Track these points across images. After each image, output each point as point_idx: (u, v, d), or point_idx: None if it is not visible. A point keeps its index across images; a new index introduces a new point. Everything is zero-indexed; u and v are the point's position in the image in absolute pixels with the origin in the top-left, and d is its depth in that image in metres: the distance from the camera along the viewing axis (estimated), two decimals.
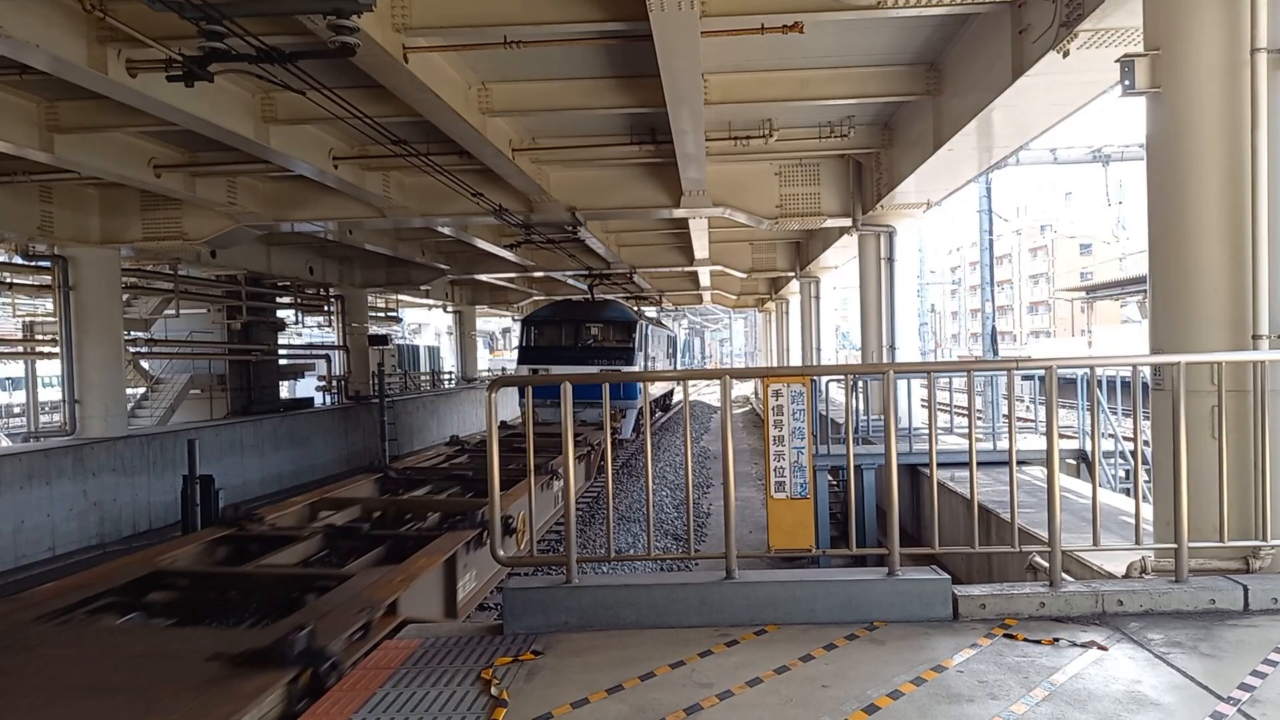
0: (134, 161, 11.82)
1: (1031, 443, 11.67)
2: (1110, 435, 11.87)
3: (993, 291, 26.59)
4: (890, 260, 15.53)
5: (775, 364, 38.33)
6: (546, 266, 23.53)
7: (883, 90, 10.72)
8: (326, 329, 27.94)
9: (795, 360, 31.46)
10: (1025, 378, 15.95)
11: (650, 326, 27.55)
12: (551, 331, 24.26)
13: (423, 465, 13.04)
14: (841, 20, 8.11)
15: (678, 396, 34.47)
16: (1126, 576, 5.02)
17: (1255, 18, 4.95)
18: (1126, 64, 5.29)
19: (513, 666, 3.88)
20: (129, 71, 8.00)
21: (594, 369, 22.11)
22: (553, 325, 24.43)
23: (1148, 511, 5.41)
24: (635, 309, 27.39)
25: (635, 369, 23.23)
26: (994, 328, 26.06)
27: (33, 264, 16.26)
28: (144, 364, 21.00)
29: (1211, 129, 5.04)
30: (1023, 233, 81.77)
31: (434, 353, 43.45)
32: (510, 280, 29.48)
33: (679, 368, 40.78)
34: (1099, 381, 10.53)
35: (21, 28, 6.93)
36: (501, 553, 4.63)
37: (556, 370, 21.11)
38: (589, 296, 26.25)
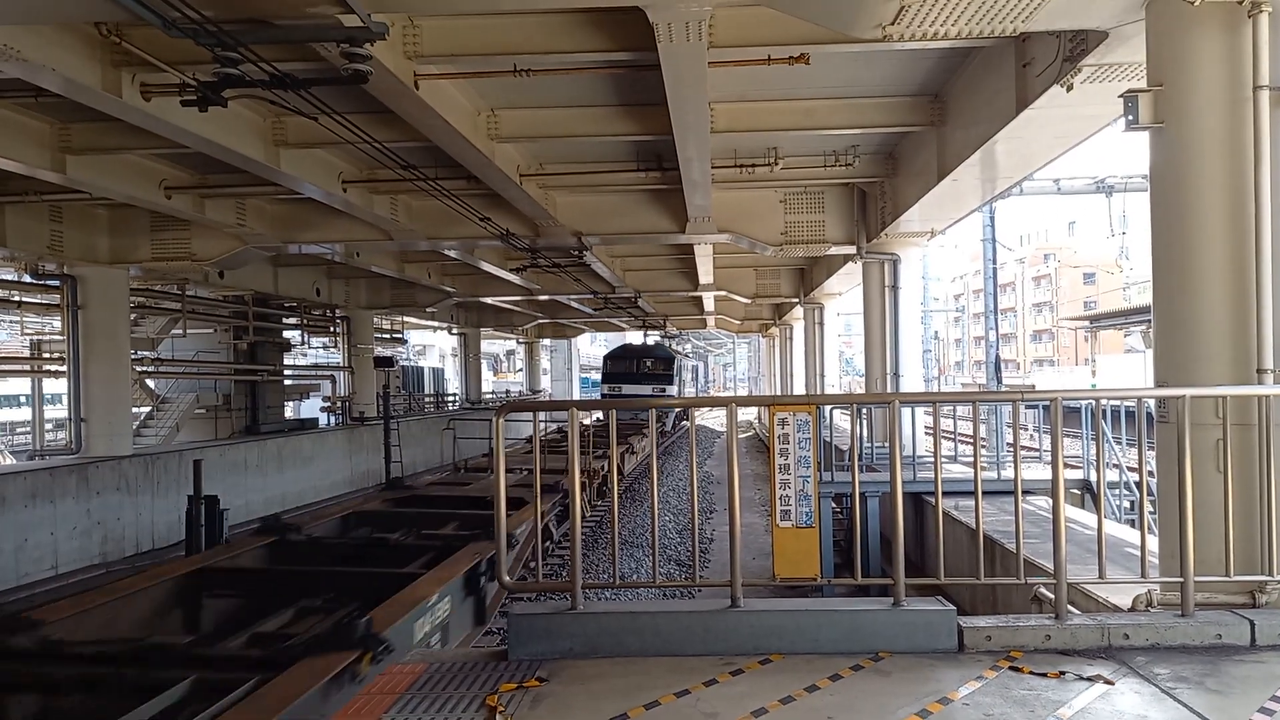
0: (145, 183, 11.92)
1: (1036, 472, 11.65)
2: (1115, 465, 11.85)
3: (996, 320, 26.58)
4: (894, 288, 15.59)
5: (779, 389, 38.27)
6: (552, 290, 23.67)
7: (887, 121, 10.81)
8: (332, 350, 28.01)
9: (799, 385, 31.46)
10: (1030, 407, 15.93)
11: (681, 359, 41.16)
12: (622, 363, 37.03)
13: (439, 482, 14.58)
14: (847, 52, 8.20)
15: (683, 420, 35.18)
16: (1132, 610, 5.01)
17: (1257, 55, 5.02)
18: (1130, 99, 5.35)
19: (518, 693, 3.87)
20: (143, 95, 8.09)
21: (647, 388, 34.21)
22: (623, 359, 37.49)
23: (1153, 544, 5.41)
24: (673, 348, 39.86)
25: (673, 388, 36.49)
26: (998, 356, 26.04)
27: (41, 283, 16.35)
28: (150, 383, 21.05)
29: (1214, 164, 5.10)
30: (1026, 261, 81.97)
31: (438, 374, 43.48)
32: (515, 303, 29.59)
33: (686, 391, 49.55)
34: (1104, 411, 10.52)
35: (37, 51, 7.02)
36: (507, 578, 4.63)
37: (627, 389, 34.18)
38: (645, 340, 37.83)
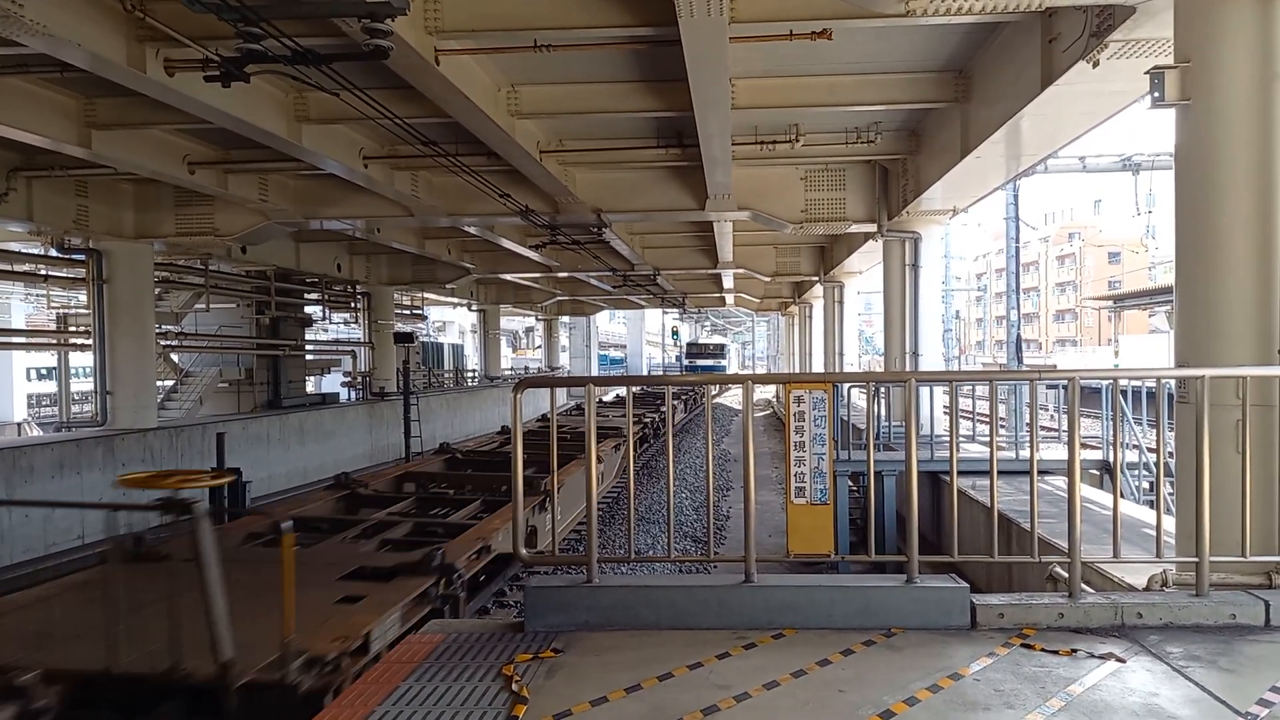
0: (169, 158, 12.02)
1: (1053, 452, 11.60)
2: (1134, 446, 11.78)
3: (1018, 299, 26.39)
4: (915, 266, 15.48)
5: (797, 368, 38.24)
6: (571, 267, 23.70)
7: (911, 97, 10.71)
8: (353, 325, 28.20)
9: (818, 364, 31.38)
10: (1050, 387, 15.84)
11: (729, 346, 59.53)
12: (695, 348, 55.40)
13: (481, 449, 16.25)
14: (871, 27, 8.12)
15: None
16: (1146, 589, 5.02)
17: None
18: (1156, 76, 5.28)
19: (533, 664, 3.94)
20: (167, 71, 8.15)
21: (710, 362, 52.27)
22: (696, 346, 56.31)
23: (1169, 524, 5.40)
24: (726, 341, 63.38)
25: (725, 362, 54.27)
26: (1019, 336, 25.86)
27: (68, 257, 16.55)
28: (174, 357, 21.30)
29: (1241, 142, 5.03)
30: (1050, 240, 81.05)
31: (458, 350, 43.71)
32: (534, 280, 29.63)
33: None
34: (1123, 392, 10.45)
35: (63, 26, 7.08)
36: (524, 551, 4.70)
37: (700, 363, 52.06)
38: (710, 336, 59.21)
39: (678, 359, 57.54)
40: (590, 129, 12.41)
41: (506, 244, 18.95)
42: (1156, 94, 5.31)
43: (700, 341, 56.85)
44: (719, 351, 54.38)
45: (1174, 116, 5.42)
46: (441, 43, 7.98)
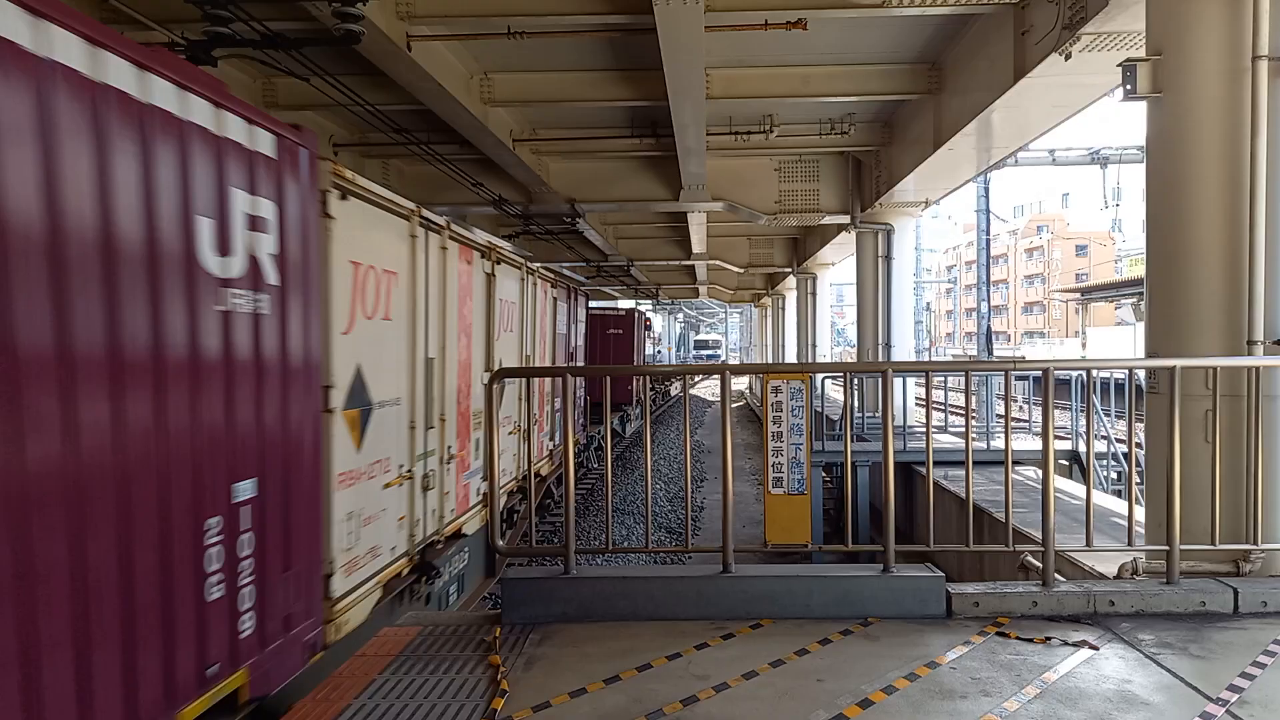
0: None
1: (1026, 443, 11.74)
2: (1104, 437, 11.95)
3: (989, 291, 26.68)
4: (888, 258, 15.58)
5: (770, 359, 38.38)
6: (544, 258, 23.50)
7: (884, 88, 10.74)
8: None
9: (791, 356, 31.52)
10: (1020, 378, 16.01)
11: (722, 340, 78.13)
12: (702, 344, 75.21)
13: None
14: (845, 18, 8.14)
15: (674, 390, 35.15)
16: (1118, 577, 5.08)
17: (1257, 25, 4.98)
18: (1129, 68, 5.32)
19: (511, 655, 3.91)
20: None
21: (709, 352, 72.06)
22: (699, 341, 77.27)
23: (1140, 513, 5.47)
24: (720, 337, 79.45)
25: (721, 353, 73.51)
26: (989, 327, 26.15)
27: None
28: None
29: (1212, 135, 5.08)
30: (1019, 233, 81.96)
31: None
32: None
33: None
34: (1093, 383, 10.59)
35: None
36: (500, 543, 4.66)
37: (704, 354, 72.25)
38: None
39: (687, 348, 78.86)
40: (564, 118, 12.33)
41: (479, 234, 18.81)
42: (1129, 86, 5.35)
43: (702, 338, 79.99)
44: (716, 344, 75.65)
45: (1145, 109, 5.47)
46: (413, 28, 7.89)
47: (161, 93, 3.50)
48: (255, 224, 4.15)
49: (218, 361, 3.85)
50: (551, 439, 12.18)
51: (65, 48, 3.01)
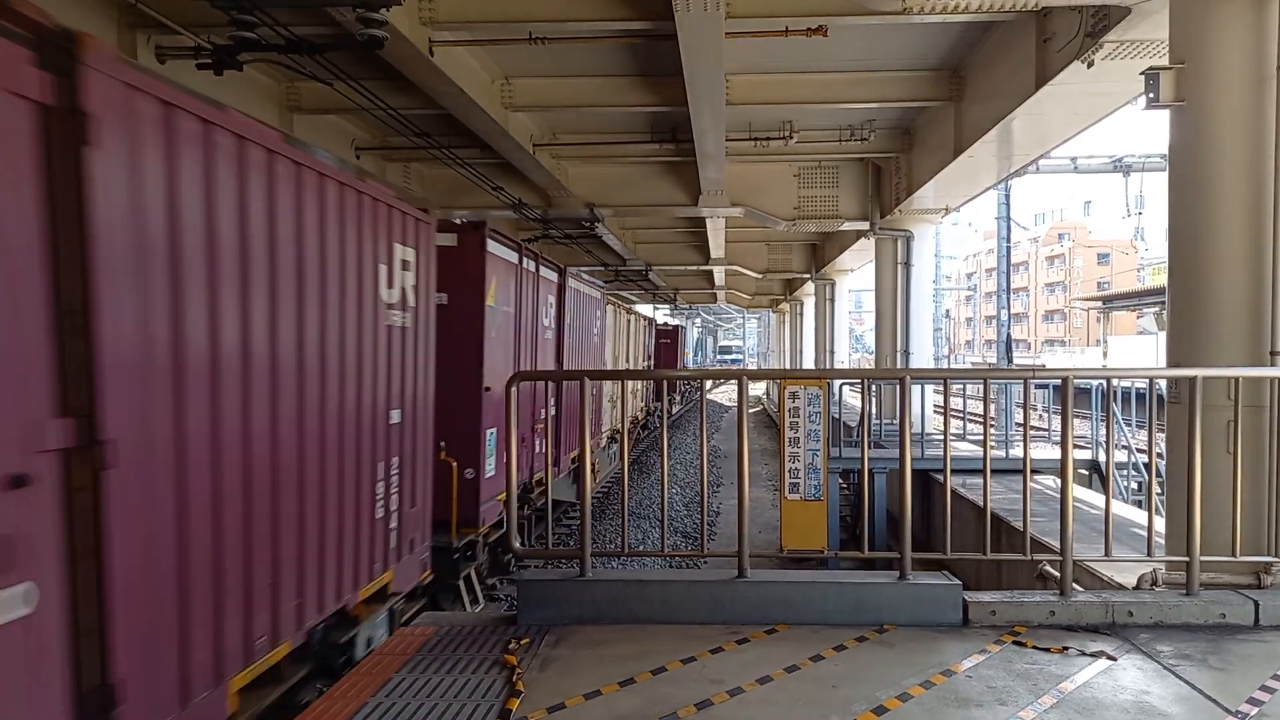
0: None
1: (1044, 452, 11.66)
2: (1124, 446, 11.85)
3: (1009, 299, 26.52)
4: (907, 265, 15.52)
5: (788, 365, 38.30)
6: (563, 262, 23.60)
7: (905, 95, 10.72)
8: None
9: (809, 361, 31.46)
10: (1039, 386, 15.90)
11: (743, 346, 79.33)
12: (722, 349, 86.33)
13: None
14: (866, 25, 8.12)
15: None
16: (1137, 588, 5.04)
17: None
18: (1151, 76, 5.30)
19: (526, 656, 3.93)
20: (158, 58, 8.09)
21: (734, 357, 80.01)
22: (723, 347, 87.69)
23: (1160, 524, 5.43)
24: (741, 343, 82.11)
25: (742, 357, 77.16)
26: (1009, 335, 25.99)
27: None
28: None
29: (1235, 144, 5.05)
30: (1040, 240, 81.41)
31: None
32: None
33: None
34: (1114, 393, 10.52)
35: (53, 13, 7.01)
36: (517, 544, 4.69)
37: (726, 358, 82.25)
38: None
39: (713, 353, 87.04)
40: (584, 123, 12.38)
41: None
42: (1151, 95, 5.33)
43: (725, 344, 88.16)
44: (739, 350, 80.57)
45: (1168, 117, 5.45)
46: (436, 34, 7.95)
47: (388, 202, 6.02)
48: (405, 265, 6.27)
49: (383, 361, 5.86)
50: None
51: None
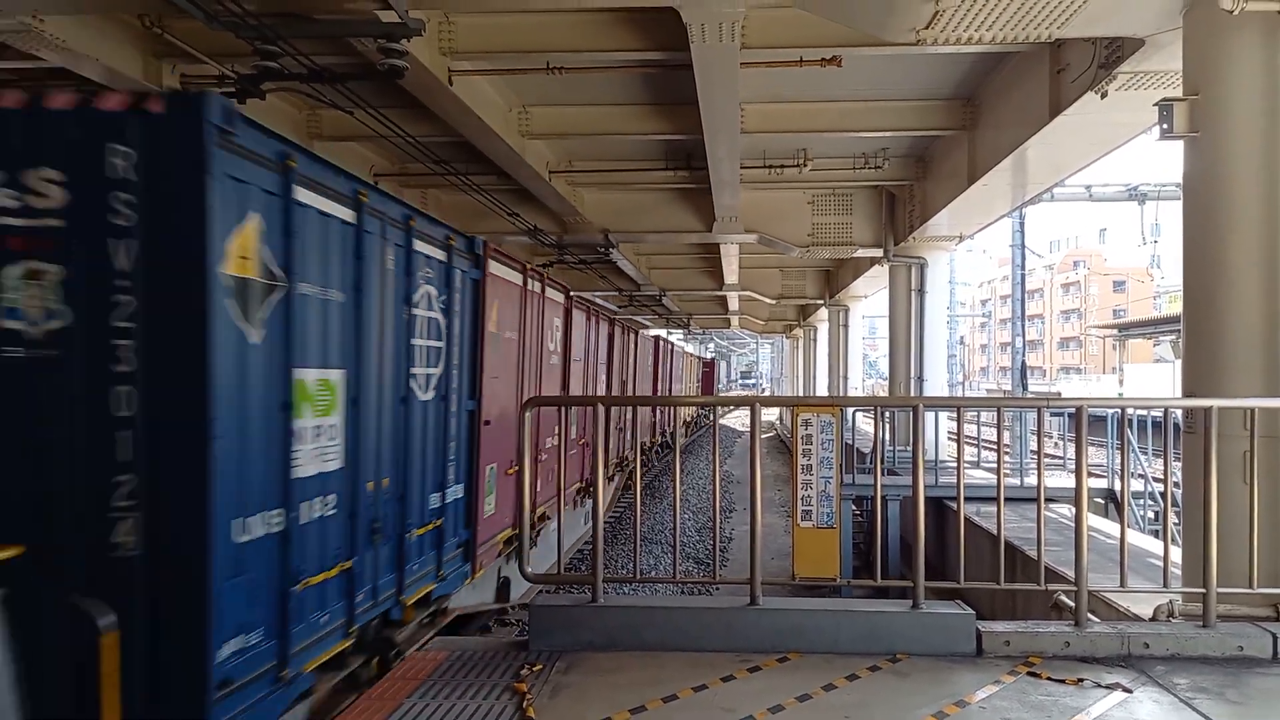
0: None
1: (1059, 480, 11.57)
2: (1140, 476, 11.75)
3: (1023, 326, 26.43)
4: (921, 292, 15.51)
5: (802, 391, 38.24)
6: (577, 287, 23.70)
7: (919, 124, 10.78)
8: None
9: (822, 387, 31.39)
10: (1055, 414, 15.80)
11: (759, 370, 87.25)
12: (740, 373, 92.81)
13: None
14: (880, 55, 8.19)
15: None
16: (1153, 619, 4.99)
17: None
18: (1165, 108, 5.32)
19: (537, 683, 3.93)
20: (183, 86, 8.24)
21: (748, 383, 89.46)
22: (740, 371, 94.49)
23: (1176, 554, 5.38)
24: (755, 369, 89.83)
25: (755, 381, 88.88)
26: (1024, 363, 25.87)
27: None
28: None
29: (1249, 175, 5.06)
30: (1055, 268, 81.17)
31: None
32: None
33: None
34: (1129, 421, 10.46)
35: (81, 41, 7.17)
36: (529, 569, 4.70)
37: (742, 383, 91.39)
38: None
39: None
40: (600, 150, 12.50)
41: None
42: (1165, 126, 5.35)
43: (745, 370, 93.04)
44: (757, 375, 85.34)
45: (1182, 148, 5.46)
46: (455, 63, 8.07)
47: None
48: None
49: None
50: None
51: None
